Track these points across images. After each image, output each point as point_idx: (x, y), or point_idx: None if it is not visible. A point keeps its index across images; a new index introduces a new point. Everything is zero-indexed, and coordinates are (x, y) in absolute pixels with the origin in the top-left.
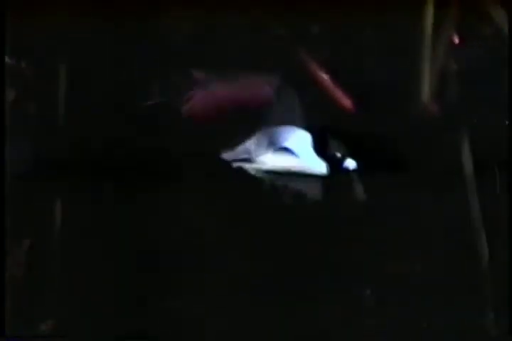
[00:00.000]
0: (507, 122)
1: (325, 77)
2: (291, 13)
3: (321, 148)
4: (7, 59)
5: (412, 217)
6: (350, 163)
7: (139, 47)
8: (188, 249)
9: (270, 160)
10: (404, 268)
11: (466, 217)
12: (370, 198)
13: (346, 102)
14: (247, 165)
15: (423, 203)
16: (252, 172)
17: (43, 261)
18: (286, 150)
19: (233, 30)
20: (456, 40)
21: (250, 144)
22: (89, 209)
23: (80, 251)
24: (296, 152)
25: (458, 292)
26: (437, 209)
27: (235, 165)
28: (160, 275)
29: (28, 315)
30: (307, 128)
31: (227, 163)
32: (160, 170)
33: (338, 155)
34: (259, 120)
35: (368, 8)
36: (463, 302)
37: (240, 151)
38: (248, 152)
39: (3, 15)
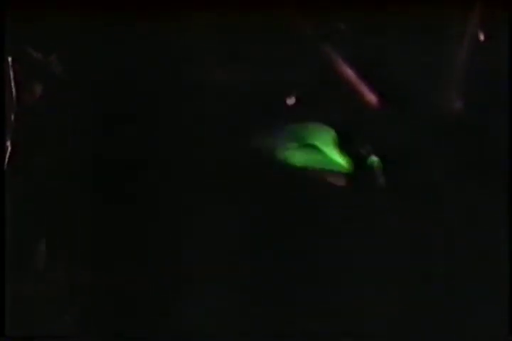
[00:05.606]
0: None
1: (350, 73)
2: (316, 9)
3: (345, 145)
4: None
5: (435, 218)
6: (374, 160)
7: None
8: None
9: (295, 157)
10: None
11: (491, 215)
12: (392, 196)
13: (371, 98)
14: (271, 161)
15: (446, 201)
16: (276, 168)
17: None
18: (311, 146)
19: (255, 25)
20: (482, 38)
21: (275, 140)
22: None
23: (80, 253)
24: (320, 148)
25: (457, 292)
26: (461, 208)
27: (259, 161)
28: (169, 279)
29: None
30: (331, 124)
31: (251, 159)
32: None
33: (363, 152)
34: (283, 116)
35: (393, 6)
36: (462, 302)
37: (264, 147)
38: (273, 148)
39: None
